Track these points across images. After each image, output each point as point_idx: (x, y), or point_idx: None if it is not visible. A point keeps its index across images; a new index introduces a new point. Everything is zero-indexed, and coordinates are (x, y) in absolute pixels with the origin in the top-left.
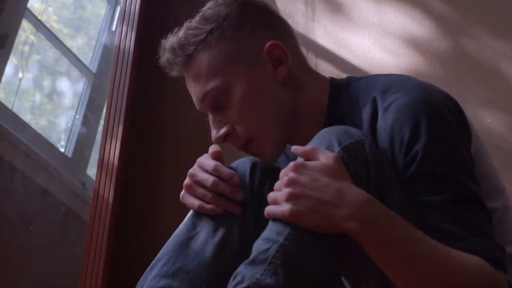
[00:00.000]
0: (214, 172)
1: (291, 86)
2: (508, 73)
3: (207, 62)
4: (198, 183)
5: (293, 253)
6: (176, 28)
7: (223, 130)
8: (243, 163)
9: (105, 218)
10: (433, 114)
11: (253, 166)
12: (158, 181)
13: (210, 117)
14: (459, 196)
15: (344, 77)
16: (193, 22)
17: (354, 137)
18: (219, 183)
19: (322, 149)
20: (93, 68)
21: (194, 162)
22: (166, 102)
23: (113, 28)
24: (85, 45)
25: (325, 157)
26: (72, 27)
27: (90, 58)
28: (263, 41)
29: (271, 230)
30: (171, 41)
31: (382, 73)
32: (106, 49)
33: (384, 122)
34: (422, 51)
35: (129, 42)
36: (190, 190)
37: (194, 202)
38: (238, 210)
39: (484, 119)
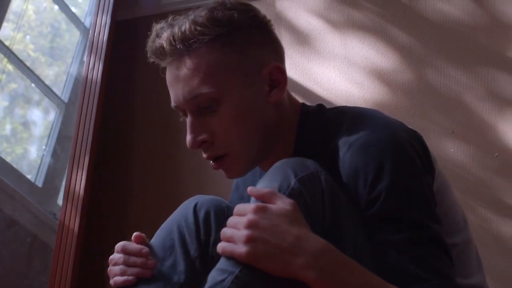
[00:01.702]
0: (122, 251)
1: (276, 109)
2: (470, 104)
3: (207, 64)
4: (114, 263)
5: (248, 285)
6: (170, 18)
7: (201, 137)
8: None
9: (70, 248)
10: (398, 154)
11: (195, 207)
12: (125, 211)
13: (189, 119)
14: (421, 236)
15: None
16: (200, 18)
17: (310, 168)
18: (128, 258)
19: (279, 194)
20: (65, 97)
21: (162, 192)
22: (133, 132)
23: (85, 58)
24: (62, 74)
25: (283, 202)
26: (49, 56)
27: (62, 87)
28: (267, 61)
29: (227, 261)
30: (171, 30)
31: (347, 104)
32: (77, 80)
33: (349, 159)
34: (386, 82)
35: (97, 72)
36: (110, 272)
37: (112, 280)
38: (148, 273)
39: (447, 149)
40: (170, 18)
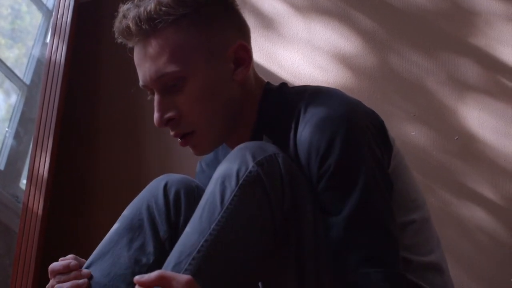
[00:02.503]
0: (51, 275)
1: (243, 87)
2: (432, 88)
3: (173, 44)
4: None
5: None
6: None
7: (168, 114)
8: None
9: (34, 231)
10: (351, 130)
11: (165, 186)
12: (89, 194)
13: (157, 98)
14: (362, 214)
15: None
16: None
17: (268, 151)
18: (60, 278)
19: (173, 275)
20: (27, 80)
21: (126, 175)
22: (98, 114)
23: (47, 40)
24: (23, 56)
25: (177, 283)
26: (10, 38)
27: (24, 69)
28: (232, 40)
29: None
30: (137, 10)
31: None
32: (39, 61)
33: (303, 134)
34: (349, 66)
35: (60, 54)
36: None
37: None
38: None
39: (409, 133)
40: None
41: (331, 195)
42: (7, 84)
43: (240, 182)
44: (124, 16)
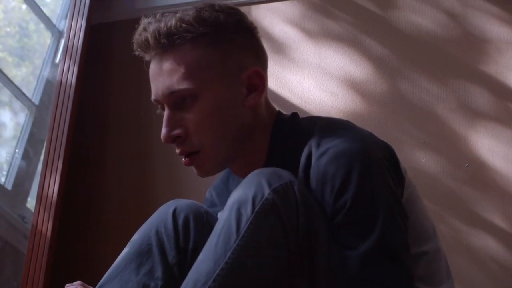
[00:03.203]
0: None
1: (253, 113)
2: (442, 115)
3: (189, 61)
4: None
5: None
6: (159, 14)
7: (176, 131)
8: (163, 214)
9: (42, 253)
10: (366, 165)
11: (174, 212)
12: (98, 216)
13: (166, 113)
14: (380, 249)
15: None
16: (186, 16)
17: (284, 179)
18: None
19: None
20: (36, 100)
21: (136, 196)
22: (107, 137)
23: (57, 60)
24: (30, 75)
25: None
26: (17, 56)
27: (33, 89)
28: (248, 65)
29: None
30: (157, 24)
31: (321, 113)
32: (48, 82)
33: (317, 168)
34: (360, 92)
35: (71, 76)
36: None
37: None
38: None
39: (419, 159)
40: (159, 14)
41: (348, 230)
42: (15, 103)
43: (256, 209)
44: (145, 29)
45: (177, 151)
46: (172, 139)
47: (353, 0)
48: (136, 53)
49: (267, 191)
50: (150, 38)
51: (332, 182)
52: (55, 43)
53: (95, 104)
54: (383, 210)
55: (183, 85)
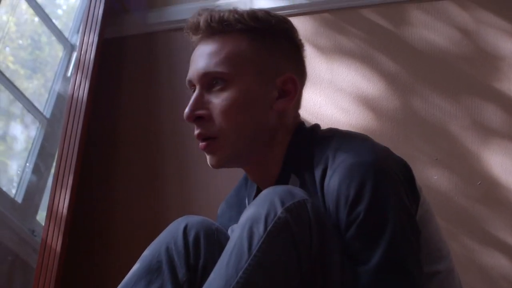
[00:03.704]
0: None
1: (279, 118)
2: (455, 132)
3: (231, 49)
4: None
5: None
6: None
7: (199, 111)
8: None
9: (52, 268)
10: (380, 178)
11: (185, 229)
12: (108, 231)
13: (195, 93)
14: (389, 264)
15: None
16: (242, 10)
17: (297, 197)
18: None
19: None
20: (47, 113)
21: (146, 211)
22: (118, 152)
23: (69, 74)
24: (41, 87)
25: None
26: (29, 68)
27: (44, 102)
28: (286, 70)
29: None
30: (212, 10)
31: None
32: (60, 95)
33: (332, 181)
34: (372, 108)
35: (83, 91)
36: None
37: None
38: None
39: (431, 177)
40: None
41: (360, 243)
42: (26, 116)
43: (269, 228)
44: (199, 14)
45: (196, 132)
46: (194, 117)
47: (365, 16)
48: (185, 33)
49: (280, 209)
50: (201, 20)
51: (346, 195)
52: (67, 56)
53: (106, 119)
54: (393, 225)
55: (219, 68)
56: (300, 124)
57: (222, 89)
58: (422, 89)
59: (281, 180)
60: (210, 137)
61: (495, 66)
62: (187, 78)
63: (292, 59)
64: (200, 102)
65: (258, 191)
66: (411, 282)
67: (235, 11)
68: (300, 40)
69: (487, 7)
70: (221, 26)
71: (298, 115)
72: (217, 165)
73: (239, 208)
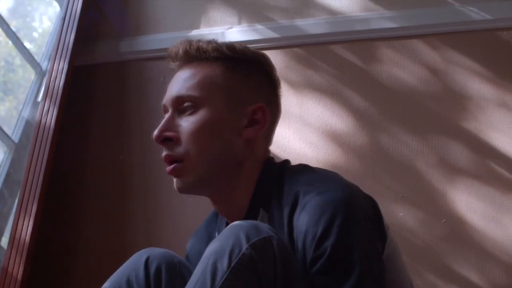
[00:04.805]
0: None
1: (247, 147)
2: (421, 170)
3: (204, 75)
4: None
5: None
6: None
7: (168, 133)
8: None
9: None
10: (349, 216)
11: (146, 261)
12: (72, 262)
13: (167, 115)
14: None
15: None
16: (220, 41)
17: (262, 233)
18: None
19: None
20: (15, 138)
21: (111, 243)
22: (85, 181)
23: (39, 99)
24: (14, 109)
25: None
26: (1, 91)
27: (13, 126)
28: (258, 100)
29: None
30: (192, 40)
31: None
32: (28, 122)
33: (301, 217)
34: (340, 143)
35: (51, 118)
36: None
37: None
38: None
39: (397, 213)
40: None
41: (326, 279)
42: None
43: (232, 264)
44: (180, 42)
45: (163, 154)
46: (162, 138)
47: (336, 52)
48: (166, 60)
49: (245, 245)
50: (181, 48)
51: (314, 230)
52: (38, 81)
53: (74, 147)
54: (360, 262)
55: (190, 92)
56: (270, 159)
57: (192, 113)
58: (390, 126)
59: (250, 214)
60: (177, 160)
61: (462, 105)
62: (162, 103)
63: (266, 91)
64: (171, 124)
65: (227, 225)
66: None
67: (214, 41)
68: (276, 76)
69: (456, 47)
70: (199, 53)
71: (268, 151)
72: (183, 189)
73: (209, 242)
